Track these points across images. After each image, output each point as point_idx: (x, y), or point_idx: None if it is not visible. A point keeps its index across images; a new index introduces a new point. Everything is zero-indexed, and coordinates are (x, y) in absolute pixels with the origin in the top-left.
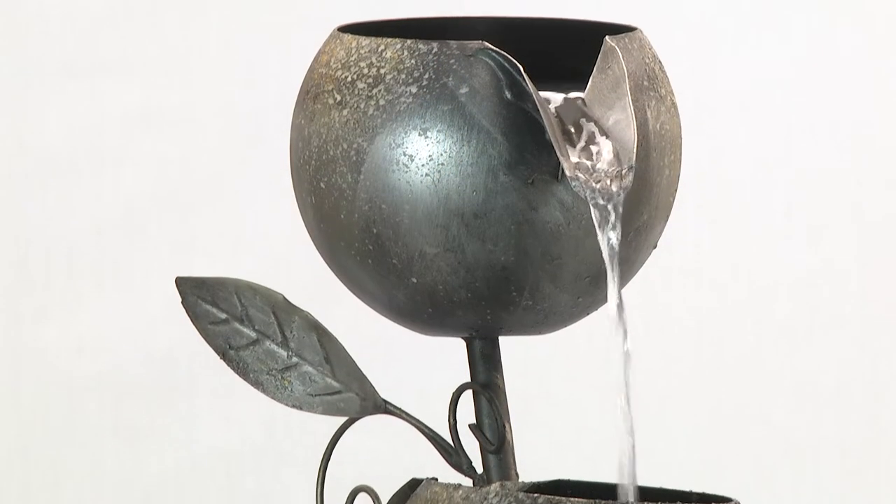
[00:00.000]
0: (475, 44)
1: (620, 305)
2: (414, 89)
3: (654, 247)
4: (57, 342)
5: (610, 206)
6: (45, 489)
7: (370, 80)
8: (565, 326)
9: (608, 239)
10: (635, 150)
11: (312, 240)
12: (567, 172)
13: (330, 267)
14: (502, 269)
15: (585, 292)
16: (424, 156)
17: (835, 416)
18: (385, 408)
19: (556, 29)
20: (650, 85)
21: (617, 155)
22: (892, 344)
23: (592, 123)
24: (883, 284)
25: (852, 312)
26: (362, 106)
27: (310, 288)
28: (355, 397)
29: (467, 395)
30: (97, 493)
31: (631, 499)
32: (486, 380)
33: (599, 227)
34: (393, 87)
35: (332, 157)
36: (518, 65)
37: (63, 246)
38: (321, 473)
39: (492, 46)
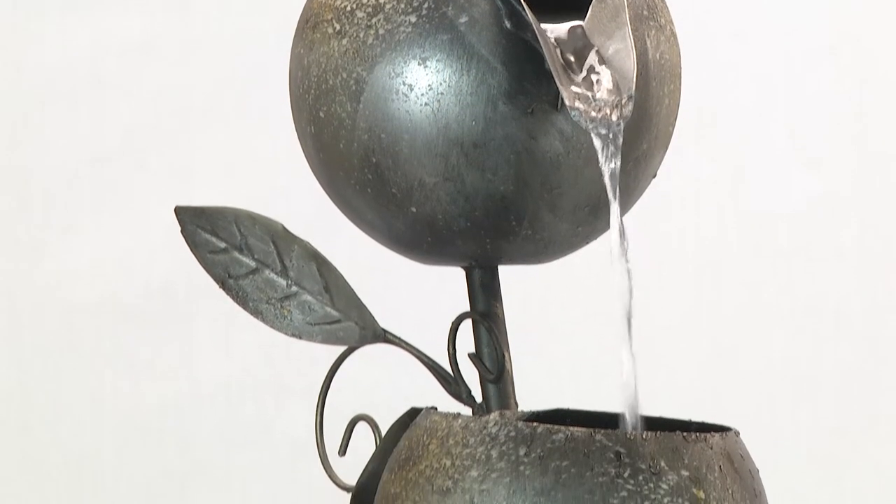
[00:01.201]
0: None
1: (622, 235)
2: (413, 18)
3: (654, 176)
4: (56, 271)
5: (609, 136)
6: (44, 419)
7: (369, 10)
8: (565, 256)
9: (608, 168)
10: (635, 80)
11: (312, 169)
12: (566, 102)
13: (329, 196)
14: (501, 199)
15: (585, 222)
16: (424, 85)
17: (834, 345)
18: (384, 337)
19: None
20: (650, 14)
21: (616, 84)
22: (891, 273)
23: (592, 53)
24: (882, 214)
25: (851, 242)
26: (361, 35)
27: (309, 217)
28: (354, 326)
29: (467, 325)
30: (96, 421)
31: (631, 428)
32: (485, 309)
33: (600, 156)
34: (392, 16)
35: (332, 86)
36: None
37: (62, 175)
38: (320, 402)
39: None
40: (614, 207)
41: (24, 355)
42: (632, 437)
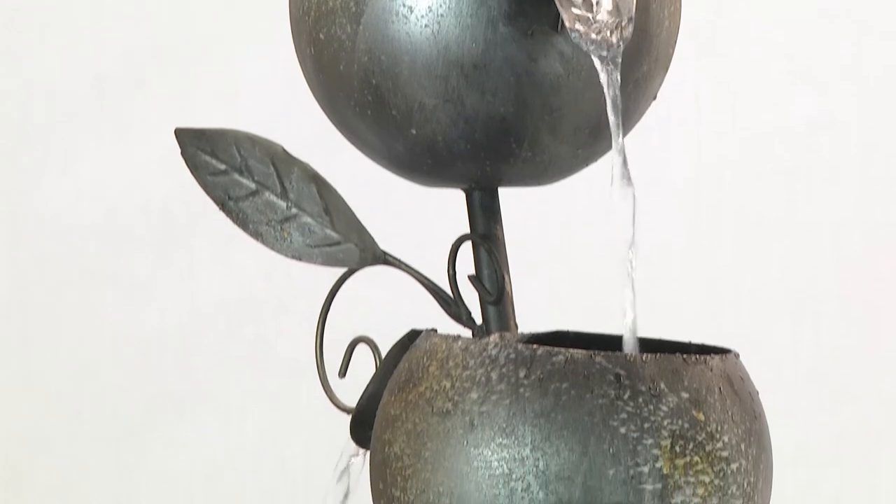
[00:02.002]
0: None
1: (622, 157)
2: None
3: (654, 98)
4: (56, 193)
5: (609, 58)
6: (44, 339)
7: None
8: (565, 178)
9: (609, 90)
10: (635, 1)
11: (312, 91)
12: (566, 23)
13: (329, 119)
14: (502, 121)
15: (584, 144)
16: (424, 6)
17: (834, 267)
18: (384, 258)
19: None
20: None
21: (616, 6)
22: (891, 193)
23: None
24: (882, 135)
25: (851, 162)
26: None
27: (309, 139)
28: (354, 248)
29: (467, 247)
30: (96, 342)
31: (631, 350)
32: (485, 231)
33: (601, 78)
34: None
35: (332, 7)
36: None
37: (63, 97)
38: (320, 324)
39: None
40: (615, 129)
41: (25, 276)
42: (631, 360)
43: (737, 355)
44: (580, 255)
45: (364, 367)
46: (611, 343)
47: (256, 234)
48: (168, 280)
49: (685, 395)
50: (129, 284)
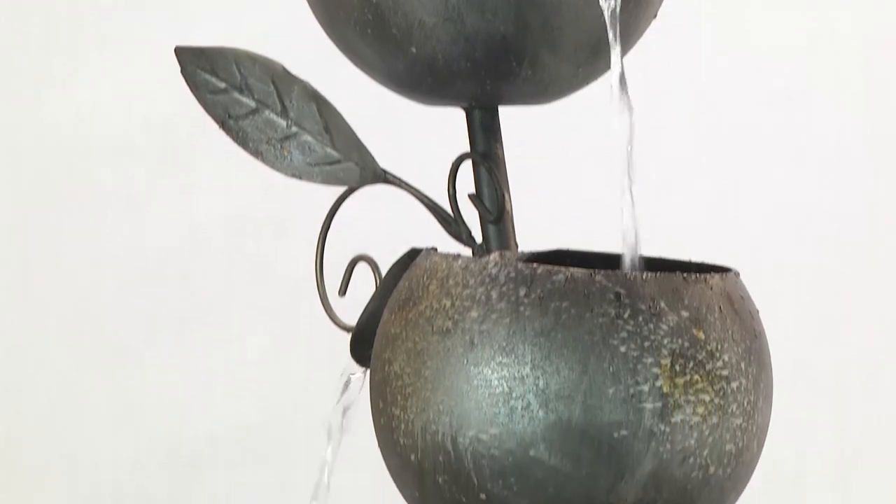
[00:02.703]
0: None
1: (622, 75)
2: None
3: (654, 17)
4: (57, 110)
5: None
6: (45, 257)
7: None
8: (565, 96)
9: (609, 8)
10: None
11: (312, 10)
12: None
13: (329, 37)
14: (502, 40)
15: (585, 62)
16: None
17: (834, 182)
18: (384, 177)
19: None
20: None
21: None
22: (891, 108)
23: None
24: (883, 50)
25: (853, 80)
26: None
27: (309, 58)
28: (354, 167)
29: (467, 166)
30: (97, 260)
31: (631, 268)
32: (485, 150)
33: None
34: None
35: None
36: None
37: (63, 14)
38: (321, 242)
39: None
40: (615, 47)
41: (26, 194)
42: (631, 278)
43: (737, 274)
44: (580, 173)
45: (364, 286)
46: (611, 262)
47: (256, 153)
48: (168, 198)
49: (685, 313)
50: (129, 202)
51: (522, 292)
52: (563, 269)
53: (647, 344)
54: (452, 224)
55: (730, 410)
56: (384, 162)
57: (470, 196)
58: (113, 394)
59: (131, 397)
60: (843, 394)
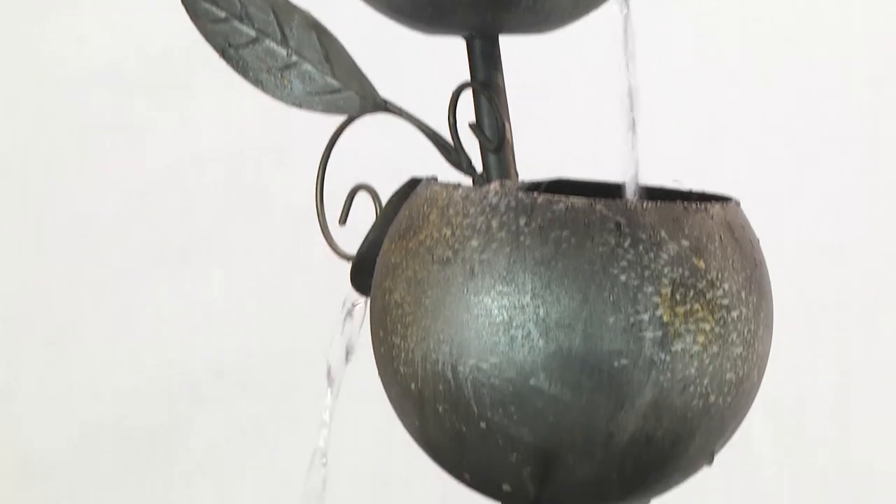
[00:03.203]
0: None
1: (624, 2)
2: None
3: None
4: (56, 39)
5: None
6: (43, 184)
7: None
8: (566, 25)
9: None
10: None
11: None
12: None
13: None
14: None
15: None
16: None
17: (838, 114)
18: (384, 106)
19: None
20: None
21: None
22: (891, 52)
23: None
24: None
25: (855, 12)
26: None
27: None
28: (355, 96)
29: (467, 95)
30: (96, 189)
31: (633, 196)
32: (486, 79)
33: None
34: None
35: None
36: None
37: None
38: (321, 171)
39: None
40: None
41: (25, 124)
42: (632, 208)
43: (737, 203)
44: (581, 102)
45: (364, 215)
46: (611, 191)
47: (257, 82)
48: (168, 128)
49: (686, 242)
50: (129, 132)
51: (523, 221)
52: (563, 198)
53: (647, 273)
54: (452, 153)
55: (730, 339)
56: (384, 91)
57: (470, 125)
58: (114, 324)
59: (132, 328)
60: (843, 323)
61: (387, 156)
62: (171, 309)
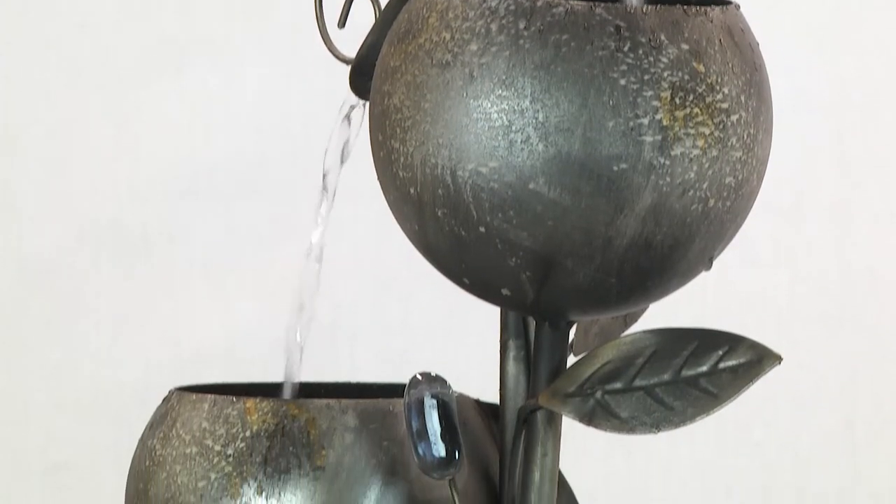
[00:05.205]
0: None
1: None
2: None
3: None
4: None
5: None
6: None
7: None
8: None
9: None
10: None
11: None
12: None
13: None
14: None
15: None
16: None
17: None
18: None
19: None
20: None
21: None
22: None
23: None
24: None
25: None
26: None
27: None
28: None
29: None
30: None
31: (632, 0)
32: None
33: None
34: None
35: None
36: None
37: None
38: None
39: None
40: None
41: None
42: (632, 11)
43: (737, 6)
44: None
45: (363, 18)
46: None
47: None
48: None
49: (685, 46)
50: None
51: (522, 25)
52: (562, 1)
53: (646, 77)
54: None
55: (729, 143)
56: None
57: None
58: (111, 123)
59: (130, 127)
60: (842, 123)
61: None
62: (169, 109)
